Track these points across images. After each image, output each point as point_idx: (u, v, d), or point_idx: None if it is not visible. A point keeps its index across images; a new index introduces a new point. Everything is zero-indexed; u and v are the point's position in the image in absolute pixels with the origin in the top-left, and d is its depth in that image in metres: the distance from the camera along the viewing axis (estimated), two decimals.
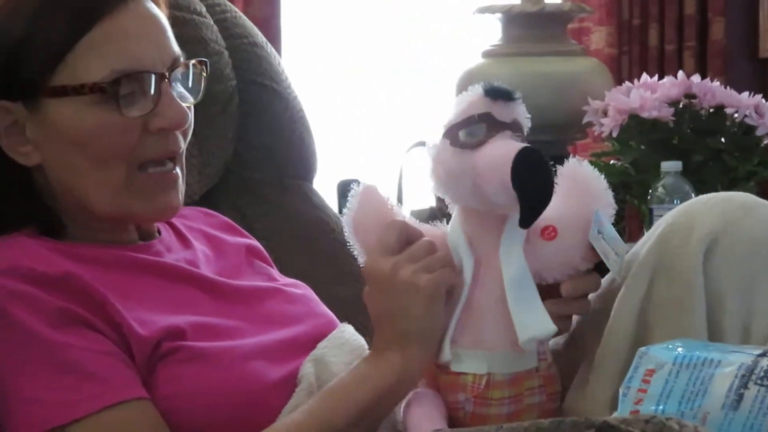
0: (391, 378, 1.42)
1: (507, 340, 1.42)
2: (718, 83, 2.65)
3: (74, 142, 1.48)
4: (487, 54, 3.02)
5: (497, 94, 1.43)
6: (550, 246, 1.46)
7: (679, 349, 1.32)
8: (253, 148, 2.00)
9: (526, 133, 1.45)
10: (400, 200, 2.95)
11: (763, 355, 1.28)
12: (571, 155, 1.45)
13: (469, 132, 1.42)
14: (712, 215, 1.49)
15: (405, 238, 1.44)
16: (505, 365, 1.44)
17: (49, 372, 1.39)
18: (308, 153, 2.07)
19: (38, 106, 1.48)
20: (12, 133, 1.50)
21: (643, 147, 2.62)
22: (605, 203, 1.50)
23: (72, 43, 1.47)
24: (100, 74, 1.47)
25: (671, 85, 2.62)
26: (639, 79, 2.71)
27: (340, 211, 2.53)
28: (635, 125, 2.61)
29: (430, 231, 1.51)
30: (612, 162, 2.72)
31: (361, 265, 1.50)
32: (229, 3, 2.09)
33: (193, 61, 1.56)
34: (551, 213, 1.44)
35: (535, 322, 1.42)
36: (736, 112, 2.61)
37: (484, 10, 3.04)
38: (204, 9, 1.97)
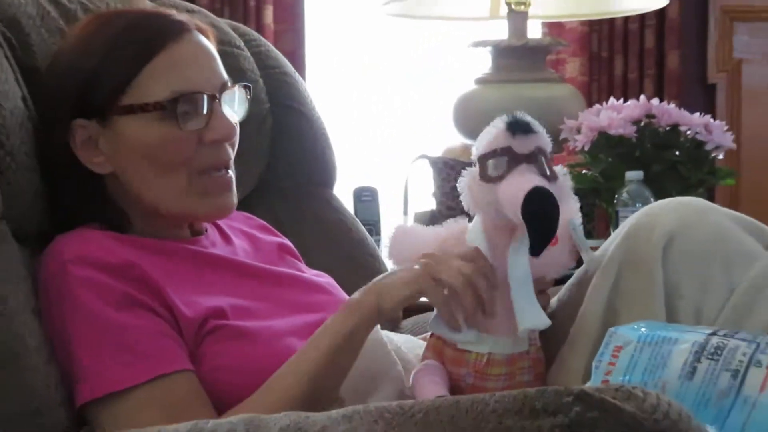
0: (347, 323, 1.44)
1: (508, 328, 1.43)
2: (673, 105, 2.64)
3: (141, 153, 1.49)
4: (479, 81, 3.02)
5: (516, 128, 1.40)
6: (552, 251, 1.46)
7: (643, 329, 1.32)
8: (283, 160, 2.00)
9: (549, 152, 1.45)
10: (406, 204, 2.95)
11: (713, 334, 1.29)
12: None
13: (493, 164, 1.40)
14: (670, 217, 1.49)
15: None
16: (504, 347, 1.45)
17: (110, 346, 1.39)
18: (329, 165, 2.08)
19: (109, 123, 1.50)
20: (87, 146, 1.51)
21: (610, 159, 2.61)
22: (577, 214, 1.52)
23: (138, 71, 1.49)
24: (162, 95, 1.48)
25: (634, 107, 2.62)
26: (607, 102, 2.70)
27: (356, 213, 2.54)
28: (604, 141, 2.61)
29: (452, 225, 1.53)
30: (584, 172, 2.72)
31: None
32: (262, 38, 2.09)
33: (238, 85, 1.58)
34: None
35: (533, 315, 1.43)
36: (689, 129, 2.61)
37: (477, 44, 3.03)
38: (243, 43, 1.98)
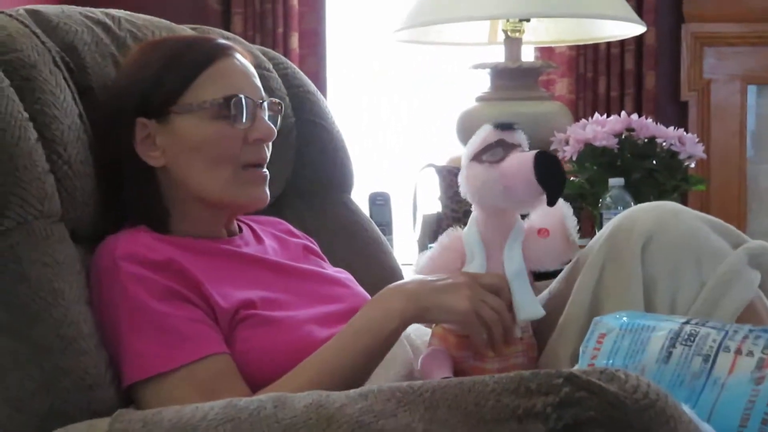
0: (386, 327, 1.42)
1: None
2: (650, 120, 2.64)
3: (193, 147, 1.51)
4: (479, 99, 3.01)
5: (504, 126, 1.46)
6: (545, 243, 1.49)
7: (624, 318, 1.32)
8: (307, 169, 2.00)
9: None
10: (415, 209, 2.95)
11: (686, 323, 1.28)
12: None
13: (491, 154, 1.44)
14: (649, 218, 1.49)
15: None
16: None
17: (155, 333, 1.40)
18: (347, 172, 2.07)
19: (167, 121, 1.52)
20: (146, 142, 1.53)
21: (595, 167, 2.61)
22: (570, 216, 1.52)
23: (194, 77, 1.53)
24: (215, 97, 1.50)
25: (616, 121, 2.61)
26: (592, 117, 2.70)
27: (371, 215, 2.53)
28: (589, 151, 2.60)
29: (446, 239, 1.53)
30: (572, 179, 2.71)
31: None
32: (289, 61, 2.09)
33: (274, 100, 1.61)
34: (542, 221, 1.50)
35: (530, 306, 1.45)
36: (665, 141, 2.60)
37: (477, 66, 3.03)
38: (272, 66, 1.98)
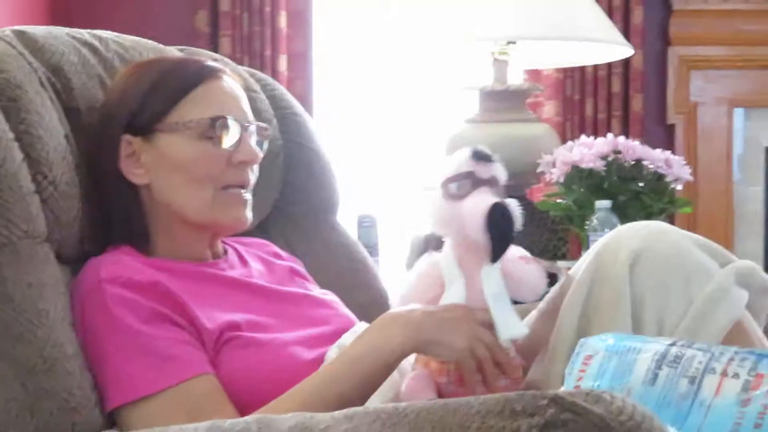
0: (384, 358, 1.40)
1: None
2: (637, 143, 2.64)
3: (176, 166, 1.51)
4: (468, 120, 3.02)
5: (479, 156, 1.44)
6: (528, 270, 1.49)
7: (610, 340, 1.31)
8: (294, 190, 1.99)
9: (503, 183, 1.46)
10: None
11: (672, 344, 1.28)
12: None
13: (457, 186, 1.43)
14: (636, 238, 1.50)
15: None
16: None
17: (139, 355, 1.39)
18: (334, 194, 2.07)
19: (152, 139, 1.53)
20: (130, 159, 1.53)
21: (582, 189, 2.61)
22: None
23: (181, 97, 1.53)
24: (201, 117, 1.51)
25: (603, 143, 2.62)
26: (579, 139, 2.70)
27: (358, 237, 2.53)
28: (576, 173, 2.61)
29: (423, 265, 1.52)
30: (559, 200, 2.71)
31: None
32: (276, 83, 2.09)
33: (261, 124, 1.61)
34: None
35: (512, 325, 1.43)
36: (651, 164, 2.60)
37: (466, 88, 3.04)
38: (259, 87, 1.98)
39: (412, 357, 1.55)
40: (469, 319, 1.42)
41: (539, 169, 2.71)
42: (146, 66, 1.62)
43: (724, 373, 1.21)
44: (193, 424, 1.19)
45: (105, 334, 1.41)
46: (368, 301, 1.92)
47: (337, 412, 1.11)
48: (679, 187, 2.68)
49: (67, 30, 1.70)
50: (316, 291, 1.72)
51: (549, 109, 4.04)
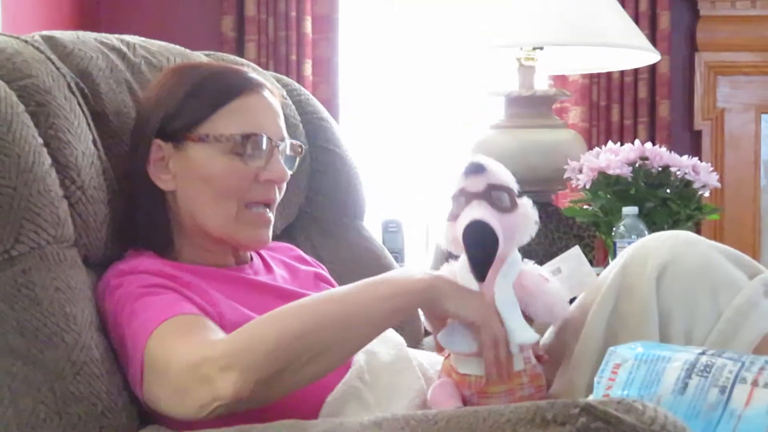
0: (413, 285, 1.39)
1: None
2: (664, 149, 2.63)
3: (203, 178, 1.51)
4: (494, 127, 3.01)
5: (468, 171, 1.43)
6: (547, 287, 1.49)
7: (639, 349, 1.31)
8: (320, 195, 2.00)
9: (513, 187, 1.44)
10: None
11: (702, 353, 1.27)
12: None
13: (454, 205, 1.43)
14: (663, 249, 1.48)
15: None
16: None
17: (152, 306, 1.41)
18: (360, 199, 2.07)
19: (182, 147, 1.53)
20: (159, 165, 1.54)
21: (608, 196, 2.60)
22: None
23: (216, 108, 1.52)
24: (234, 131, 1.50)
25: (630, 150, 2.60)
26: (605, 145, 2.69)
27: (383, 242, 2.53)
28: (603, 180, 2.59)
29: (447, 267, 1.51)
30: (585, 207, 2.70)
31: None
32: (303, 88, 2.10)
33: (295, 142, 1.60)
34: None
35: (522, 331, 1.41)
36: (678, 170, 2.59)
37: (492, 94, 3.03)
38: (285, 93, 1.98)
39: (439, 363, 1.54)
40: (487, 302, 1.42)
41: (565, 176, 2.70)
42: (186, 71, 1.61)
43: (755, 383, 1.20)
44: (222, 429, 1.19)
45: (123, 311, 1.42)
46: None
47: (365, 419, 1.11)
48: (707, 193, 2.66)
49: (95, 35, 1.70)
50: None
51: (575, 115, 4.03)
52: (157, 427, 1.39)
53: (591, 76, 4.00)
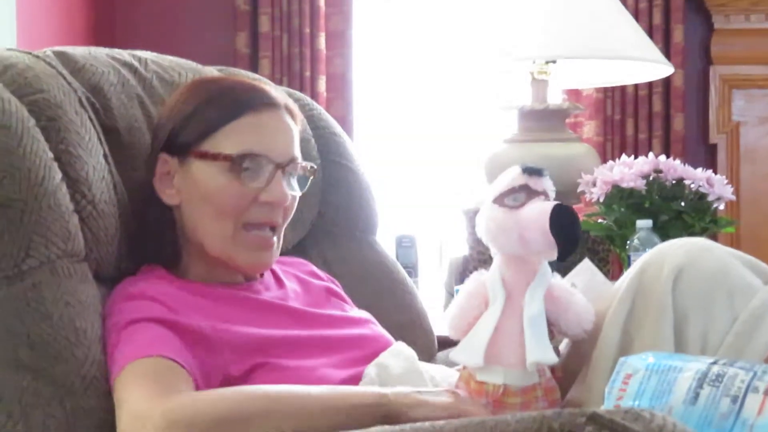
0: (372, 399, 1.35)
1: (520, 361, 1.42)
2: (678, 162, 2.62)
3: (202, 195, 1.51)
4: (507, 140, 3.01)
5: (532, 171, 1.45)
6: (576, 300, 1.50)
7: (650, 359, 1.30)
8: (332, 209, 1.99)
9: (552, 199, 1.46)
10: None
11: (714, 363, 1.27)
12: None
13: (513, 198, 1.43)
14: (679, 253, 1.49)
15: None
16: (517, 379, 1.43)
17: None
18: (372, 213, 2.07)
19: (187, 162, 1.53)
20: (164, 178, 1.54)
21: (622, 209, 2.59)
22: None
23: (221, 125, 1.52)
24: (234, 150, 1.49)
25: (644, 163, 2.60)
26: (619, 159, 2.69)
27: (397, 257, 2.53)
28: (617, 193, 2.59)
29: (471, 284, 1.51)
30: (599, 220, 2.69)
31: None
32: (315, 103, 2.10)
33: (306, 164, 1.59)
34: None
35: (541, 351, 1.41)
36: (693, 183, 2.58)
37: (505, 107, 3.03)
38: (297, 107, 1.97)
39: (452, 376, 1.54)
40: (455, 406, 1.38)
41: (579, 189, 2.69)
42: (202, 85, 1.62)
43: (767, 393, 1.20)
44: None
45: (110, 339, 1.42)
46: (406, 322, 1.92)
47: (373, 429, 1.10)
48: (722, 206, 2.65)
49: (107, 50, 1.71)
50: (352, 312, 1.71)
51: (589, 129, 4.02)
52: None
53: (605, 89, 3.99)
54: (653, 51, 2.91)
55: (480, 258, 2.71)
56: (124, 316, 1.43)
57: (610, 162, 2.67)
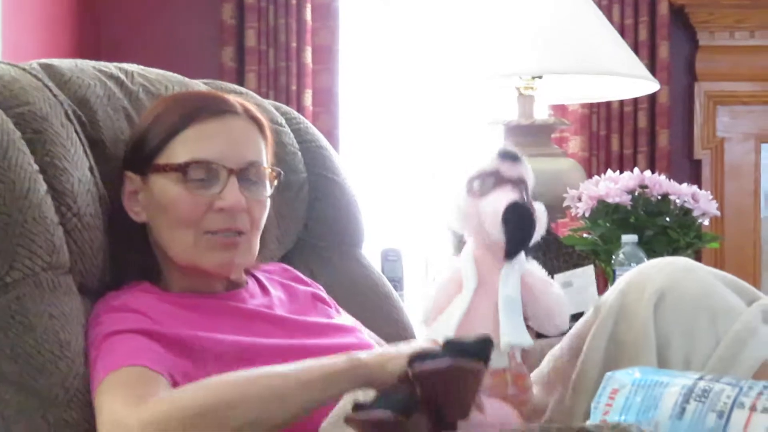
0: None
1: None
2: (664, 177, 2.63)
3: (160, 208, 1.50)
4: None
5: (505, 155, 1.41)
6: (551, 292, 1.44)
7: (637, 374, 1.30)
8: (318, 223, 1.99)
9: (531, 185, 1.43)
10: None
11: (700, 378, 1.27)
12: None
13: (480, 182, 1.40)
14: (661, 275, 1.48)
15: None
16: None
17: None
18: (359, 227, 2.06)
19: (148, 179, 1.51)
20: (131, 197, 1.53)
21: (608, 224, 2.59)
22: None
23: (173, 136, 1.50)
24: (182, 159, 1.48)
25: (629, 178, 2.60)
26: (605, 174, 2.69)
27: (383, 271, 2.52)
28: (602, 208, 2.59)
29: (452, 262, 1.48)
30: (585, 235, 2.70)
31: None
32: (301, 116, 2.09)
33: (265, 167, 1.56)
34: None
35: (516, 333, 1.37)
36: (678, 198, 2.59)
37: (492, 122, 3.04)
38: (284, 121, 1.98)
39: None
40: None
41: (565, 204, 2.69)
42: (160, 101, 1.62)
43: (753, 408, 1.20)
44: None
45: (91, 351, 1.41)
46: (393, 335, 1.90)
47: None
48: (706, 222, 2.65)
49: (93, 63, 1.71)
50: (339, 319, 1.70)
51: (575, 144, 4.02)
52: None
53: (590, 105, 4.00)
54: (639, 67, 2.92)
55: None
56: (105, 327, 1.42)
57: (596, 177, 2.67)
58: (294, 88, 3.95)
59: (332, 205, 2.01)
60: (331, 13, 4.02)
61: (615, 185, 2.58)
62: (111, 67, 1.73)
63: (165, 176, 1.50)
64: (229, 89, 1.95)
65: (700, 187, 2.74)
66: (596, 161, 4.03)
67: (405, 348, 1.34)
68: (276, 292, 1.66)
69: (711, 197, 2.62)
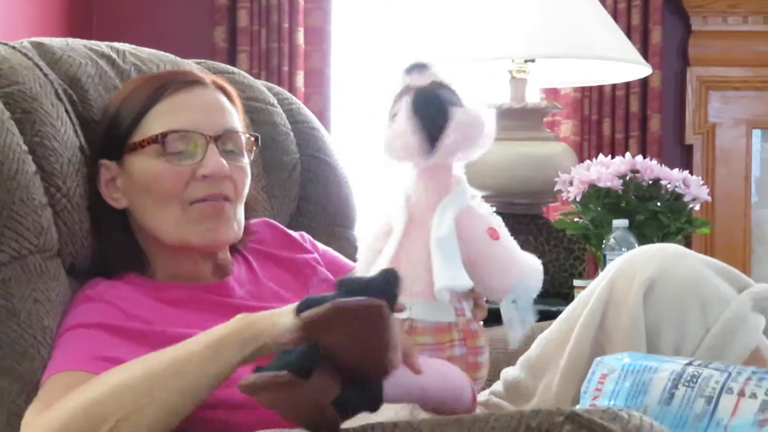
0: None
1: (428, 292, 1.25)
2: (655, 162, 2.63)
3: (142, 187, 1.47)
4: None
5: (410, 67, 1.33)
6: (490, 247, 1.31)
7: (626, 359, 1.30)
8: (311, 204, 1.98)
9: (459, 89, 1.33)
10: None
11: (689, 364, 1.27)
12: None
13: (396, 105, 1.32)
14: (651, 263, 1.47)
15: None
16: (425, 314, 1.26)
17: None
18: (351, 208, 2.06)
19: (124, 163, 1.49)
20: (109, 184, 1.50)
21: (599, 208, 2.59)
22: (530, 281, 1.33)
23: (145, 112, 1.48)
24: (158, 132, 1.46)
25: (620, 163, 2.60)
26: (596, 158, 2.69)
27: None
28: (593, 192, 2.59)
29: (378, 228, 1.38)
30: (576, 219, 2.70)
31: None
32: (294, 97, 2.09)
33: (245, 133, 1.54)
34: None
35: (452, 275, 1.25)
36: (669, 183, 2.59)
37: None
38: (276, 101, 1.97)
39: None
40: None
41: (556, 188, 2.69)
42: (124, 85, 1.60)
43: (741, 393, 1.20)
44: None
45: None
46: None
47: (350, 428, 1.09)
48: (697, 207, 2.66)
49: (84, 42, 1.70)
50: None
51: (566, 128, 4.03)
52: None
53: (582, 89, 4.00)
54: (631, 51, 2.91)
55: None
56: (71, 319, 1.40)
57: (587, 161, 2.67)
58: (286, 68, 3.94)
59: (324, 186, 2.00)
60: None
61: (606, 170, 2.58)
62: (103, 46, 1.72)
63: (143, 153, 1.47)
64: (221, 69, 1.94)
65: (691, 173, 2.74)
66: (588, 145, 4.03)
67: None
68: (266, 274, 1.62)
69: (702, 182, 2.63)
